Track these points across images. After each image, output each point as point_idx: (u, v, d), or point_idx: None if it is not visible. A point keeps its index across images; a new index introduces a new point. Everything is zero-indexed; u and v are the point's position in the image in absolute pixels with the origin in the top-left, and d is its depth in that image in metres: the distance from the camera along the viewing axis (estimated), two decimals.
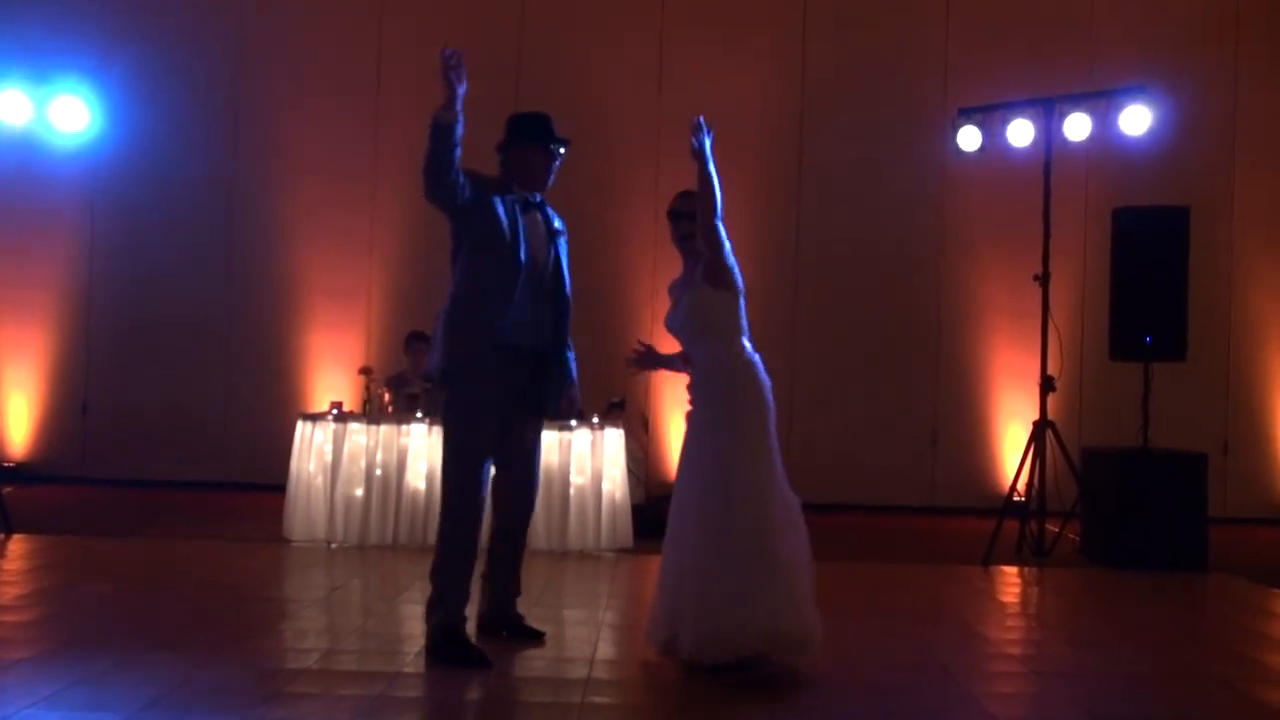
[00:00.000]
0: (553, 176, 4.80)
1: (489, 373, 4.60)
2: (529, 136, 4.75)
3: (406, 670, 4.46)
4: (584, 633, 5.16)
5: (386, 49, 10.27)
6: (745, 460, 4.43)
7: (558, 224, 4.86)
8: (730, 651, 4.31)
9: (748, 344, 4.63)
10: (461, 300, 4.66)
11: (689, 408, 4.70)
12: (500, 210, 4.63)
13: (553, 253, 4.78)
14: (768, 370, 4.61)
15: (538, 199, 4.79)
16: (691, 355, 4.72)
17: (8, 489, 7.91)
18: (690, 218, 4.66)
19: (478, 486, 4.68)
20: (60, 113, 8.29)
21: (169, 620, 5.18)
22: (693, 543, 4.40)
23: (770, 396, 4.56)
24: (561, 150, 4.80)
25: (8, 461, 9.93)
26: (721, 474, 4.42)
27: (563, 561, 7.01)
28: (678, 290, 4.80)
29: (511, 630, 4.93)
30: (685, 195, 4.77)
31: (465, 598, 4.68)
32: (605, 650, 4.89)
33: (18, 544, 6.99)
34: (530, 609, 5.36)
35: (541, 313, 4.70)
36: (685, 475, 4.59)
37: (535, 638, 4.91)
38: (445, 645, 4.57)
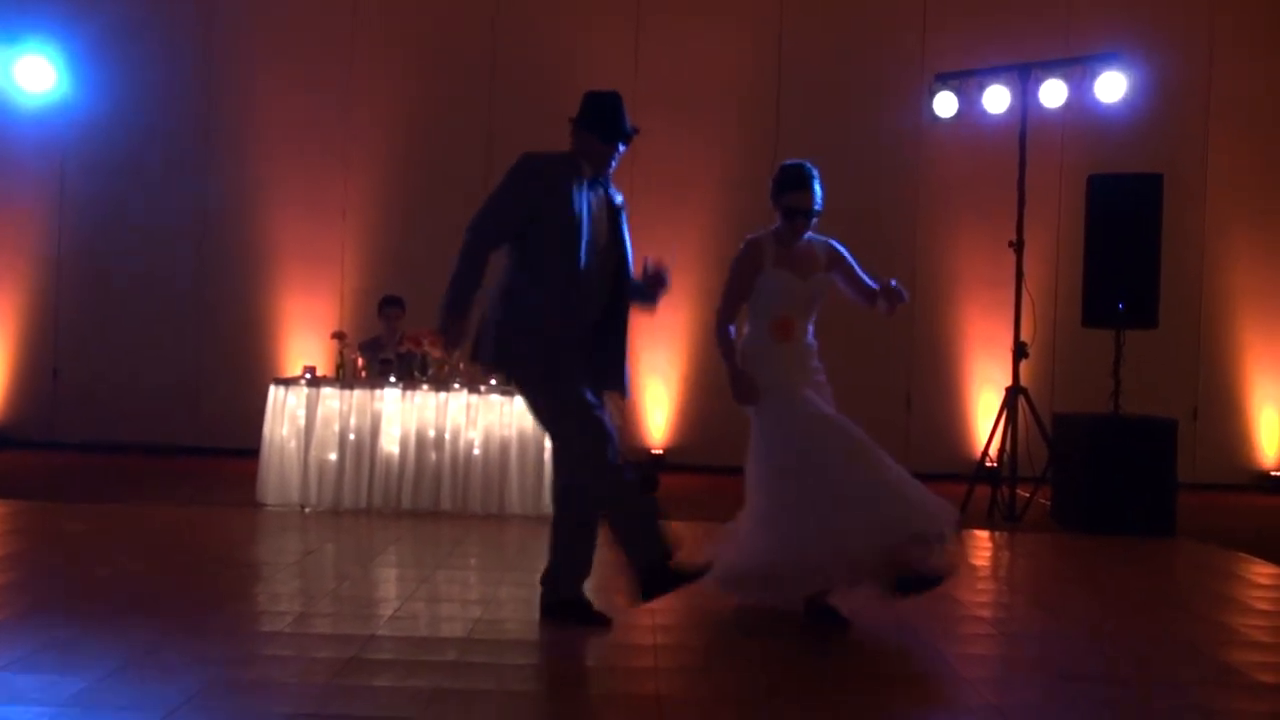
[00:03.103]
0: (614, 163, 4.70)
1: (555, 351, 4.51)
2: (592, 125, 4.63)
3: (380, 633, 4.46)
4: None
5: (360, 12, 10.15)
6: None
7: (619, 200, 4.75)
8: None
9: None
10: (524, 285, 4.53)
11: (818, 373, 4.98)
12: (568, 197, 4.52)
13: (614, 230, 4.68)
14: (805, 332, 5.00)
15: (602, 176, 4.68)
16: (801, 330, 4.90)
17: None
18: (805, 215, 4.81)
19: (604, 434, 4.47)
20: (26, 73, 8.15)
21: (141, 584, 5.16)
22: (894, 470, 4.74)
23: None
24: (623, 145, 4.67)
25: None
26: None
27: (539, 526, 7.01)
28: (773, 258, 4.81)
29: (578, 613, 4.70)
30: (800, 188, 4.79)
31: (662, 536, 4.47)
32: None
33: None
34: (507, 573, 5.39)
35: (599, 290, 4.60)
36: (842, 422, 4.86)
37: (601, 624, 4.63)
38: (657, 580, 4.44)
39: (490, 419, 7.40)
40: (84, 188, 10.07)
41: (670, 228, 9.85)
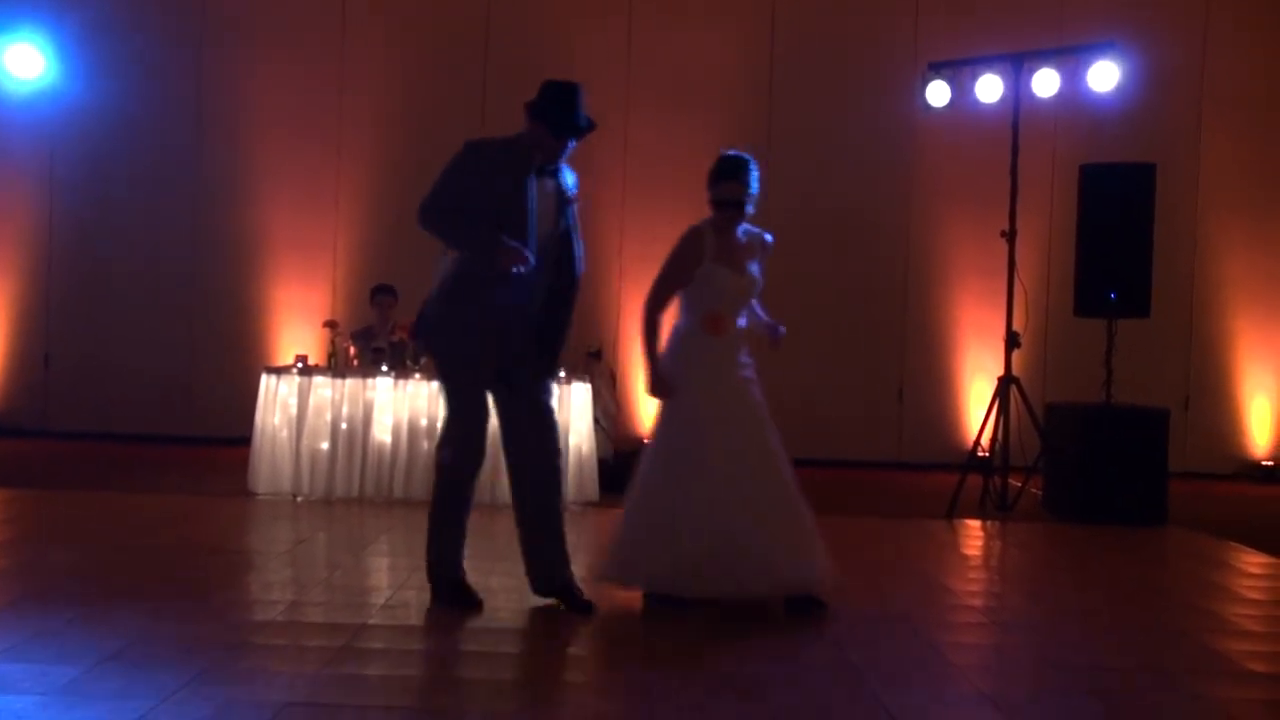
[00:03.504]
0: (564, 156, 4.63)
1: (484, 339, 4.56)
2: (545, 117, 4.53)
3: (372, 622, 4.46)
4: None
5: (352, 1, 10.10)
6: None
7: (570, 187, 4.69)
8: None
9: None
10: (467, 272, 4.57)
11: (746, 369, 4.95)
12: (507, 184, 4.51)
13: (562, 222, 4.65)
14: (736, 326, 4.99)
15: (553, 165, 4.62)
16: (731, 325, 4.90)
17: None
18: (736, 206, 4.81)
19: (477, 440, 4.65)
20: (15, 60, 8.11)
21: (133, 573, 5.15)
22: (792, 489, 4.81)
23: None
24: (574, 140, 4.61)
25: None
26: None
27: None
28: (714, 250, 4.81)
29: (565, 600, 4.70)
30: (729, 179, 4.81)
31: (455, 547, 4.72)
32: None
33: None
34: (497, 563, 5.38)
35: (539, 280, 4.59)
36: (766, 432, 4.88)
37: (585, 611, 4.64)
38: (438, 588, 4.71)
39: None
40: (75, 176, 10.01)
41: (661, 215, 9.80)
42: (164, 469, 8.42)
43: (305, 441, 7.34)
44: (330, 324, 7.99)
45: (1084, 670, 4.18)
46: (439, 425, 7.32)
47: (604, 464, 7.73)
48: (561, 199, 4.65)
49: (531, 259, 4.45)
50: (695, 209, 9.88)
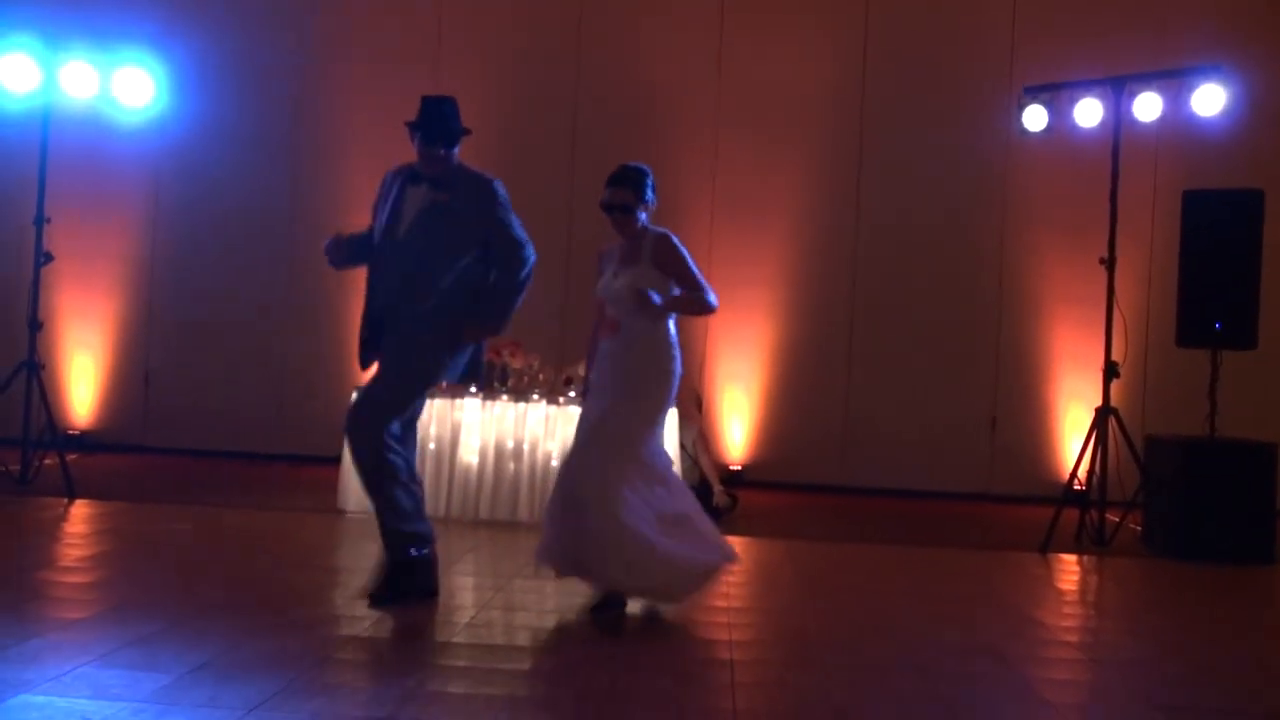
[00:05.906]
0: (432, 163, 5.03)
1: (365, 334, 5.15)
2: (414, 127, 5.05)
3: (456, 640, 4.46)
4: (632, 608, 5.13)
5: (446, 28, 10.27)
6: (647, 431, 4.98)
7: (448, 195, 5.02)
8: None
9: (673, 326, 5.09)
10: None
11: (599, 370, 5.08)
12: (384, 191, 5.24)
13: (421, 221, 5.00)
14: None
15: (431, 173, 5.04)
16: (624, 326, 5.01)
17: (71, 456, 8.04)
18: (622, 209, 5.01)
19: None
20: (124, 86, 8.35)
21: (224, 586, 5.24)
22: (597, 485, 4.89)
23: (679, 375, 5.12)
24: (445, 148, 5.01)
25: (72, 429, 10.10)
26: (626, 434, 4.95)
27: None
28: (615, 261, 5.09)
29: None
30: (615, 185, 5.03)
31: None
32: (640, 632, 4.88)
33: (80, 509, 7.11)
34: (582, 585, 5.36)
35: (391, 273, 5.03)
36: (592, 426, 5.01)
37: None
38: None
39: (569, 431, 7.38)
40: (177, 200, 10.27)
41: (750, 239, 9.80)
42: (256, 486, 8.57)
43: None
44: None
45: (1183, 711, 4.02)
46: (526, 447, 7.43)
47: (693, 490, 7.67)
48: (431, 201, 5.01)
49: (337, 255, 5.29)
50: (784, 230, 9.95)
